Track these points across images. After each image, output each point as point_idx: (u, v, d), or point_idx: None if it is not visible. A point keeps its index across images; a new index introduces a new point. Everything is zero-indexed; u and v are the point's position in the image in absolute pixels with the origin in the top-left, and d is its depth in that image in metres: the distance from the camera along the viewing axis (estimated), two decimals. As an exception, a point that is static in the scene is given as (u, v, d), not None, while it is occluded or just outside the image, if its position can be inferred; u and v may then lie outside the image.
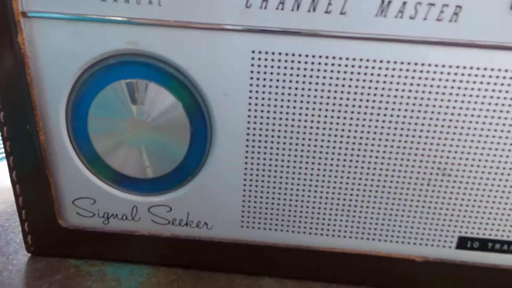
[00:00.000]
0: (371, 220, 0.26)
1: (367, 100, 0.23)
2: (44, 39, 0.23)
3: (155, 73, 0.24)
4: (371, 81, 0.23)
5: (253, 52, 0.22)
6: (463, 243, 0.26)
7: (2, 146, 0.60)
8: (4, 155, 0.56)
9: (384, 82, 0.23)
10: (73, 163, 0.26)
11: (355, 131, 0.24)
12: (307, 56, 0.22)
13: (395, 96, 0.23)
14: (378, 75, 0.23)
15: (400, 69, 0.22)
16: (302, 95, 0.23)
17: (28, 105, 0.24)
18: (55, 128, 0.25)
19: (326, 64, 0.22)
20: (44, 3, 0.22)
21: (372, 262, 0.26)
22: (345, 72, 0.23)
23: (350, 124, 0.24)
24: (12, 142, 0.25)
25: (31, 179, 0.26)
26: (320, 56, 0.22)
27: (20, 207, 0.27)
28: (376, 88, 0.23)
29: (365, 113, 0.23)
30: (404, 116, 0.23)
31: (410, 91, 0.23)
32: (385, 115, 0.23)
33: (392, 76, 0.23)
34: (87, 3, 0.22)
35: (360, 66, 0.22)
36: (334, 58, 0.22)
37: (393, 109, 0.23)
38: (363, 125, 0.24)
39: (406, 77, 0.23)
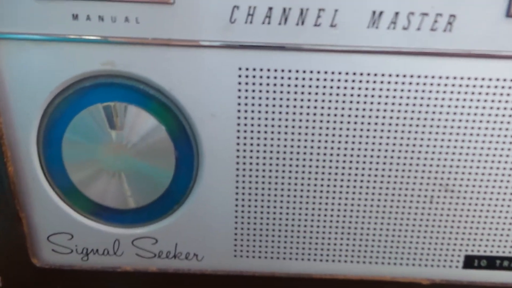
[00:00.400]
0: (373, 243, 0.24)
1: (362, 116, 0.22)
2: (12, 61, 0.21)
3: (135, 95, 0.22)
4: (365, 95, 0.21)
5: (239, 69, 0.21)
6: (470, 262, 0.25)
7: None
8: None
9: (380, 96, 0.21)
10: (47, 195, 0.23)
11: (351, 149, 0.22)
12: (297, 71, 0.21)
13: (391, 111, 0.22)
14: (373, 89, 0.21)
15: (395, 82, 0.21)
16: (294, 113, 0.22)
17: (-5, 134, 0.22)
18: (25, 158, 0.23)
19: (317, 79, 0.21)
20: (11, 23, 0.20)
21: (377, 287, 0.25)
22: (338, 87, 0.21)
23: (346, 142, 0.22)
24: (-23, 176, 0.23)
25: (0, 215, 0.23)
26: (311, 71, 0.21)
27: (-12, 247, 0.24)
28: (371, 103, 0.22)
29: (361, 129, 0.22)
30: (402, 131, 0.22)
31: (406, 104, 0.22)
32: (382, 130, 0.22)
33: (388, 89, 0.21)
34: (58, 22, 0.20)
35: (353, 81, 0.21)
36: (325, 73, 0.21)
37: (389, 124, 0.22)
38: (359, 142, 0.22)
39: (402, 90, 0.21)
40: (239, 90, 0.21)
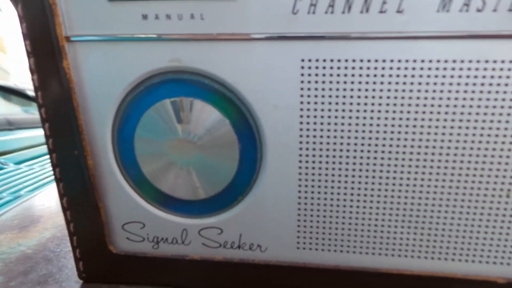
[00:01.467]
0: (442, 238, 0.23)
1: (432, 105, 0.21)
2: (88, 62, 0.23)
3: (200, 89, 0.23)
4: (435, 83, 0.20)
5: (302, 60, 0.21)
6: (553, 260, 0.23)
7: (50, 169, 0.62)
8: (51, 178, 0.58)
9: (450, 84, 0.20)
10: (122, 187, 0.25)
11: (419, 139, 0.21)
12: (361, 61, 0.21)
13: (464, 99, 0.20)
14: (443, 76, 0.20)
15: (468, 68, 0.20)
16: (359, 103, 0.21)
17: (76, 130, 0.24)
18: (103, 153, 0.24)
19: (383, 68, 0.20)
20: (86, 26, 0.22)
21: (447, 285, 0.24)
22: (404, 76, 0.20)
23: (414, 133, 0.21)
24: (61, 169, 0.25)
25: (81, 205, 0.26)
26: (376, 60, 0.20)
27: (71, 233, 0.26)
28: (441, 91, 0.20)
29: (430, 119, 0.21)
30: (476, 121, 0.21)
31: (481, 92, 0.20)
32: (452, 120, 0.21)
33: (460, 76, 0.20)
34: (129, 22, 0.21)
35: (422, 68, 0.20)
36: (392, 61, 0.20)
37: (461, 113, 0.21)
38: (427, 133, 0.21)
39: (475, 76, 0.20)
40: (302, 82, 0.21)
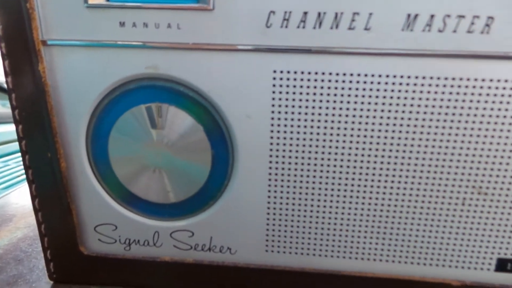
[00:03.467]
0: (403, 242, 0.24)
1: (396, 118, 0.22)
2: (64, 66, 0.23)
3: (175, 96, 0.23)
4: (398, 97, 0.22)
5: (274, 72, 0.22)
6: (502, 265, 0.24)
7: (22, 169, 0.60)
8: (24, 177, 0.57)
9: (413, 98, 0.22)
10: (94, 189, 0.25)
11: (383, 150, 0.23)
12: (330, 74, 0.22)
13: (428, 113, 0.22)
14: (406, 91, 0.22)
15: (429, 85, 0.21)
16: (327, 114, 0.22)
17: (49, 133, 0.24)
18: (76, 155, 0.25)
19: (350, 82, 0.22)
20: (63, 30, 0.22)
21: (405, 287, 0.25)
22: (370, 90, 0.22)
23: (378, 143, 0.23)
24: (34, 170, 0.25)
25: (53, 207, 0.26)
26: (344, 74, 0.22)
27: (42, 234, 0.27)
28: (404, 105, 0.22)
29: (393, 131, 0.22)
30: (436, 134, 0.22)
31: (440, 107, 0.22)
32: (414, 132, 0.22)
33: (423, 92, 0.21)
34: (106, 29, 0.22)
35: (386, 83, 0.22)
36: (359, 75, 0.22)
37: (424, 126, 0.22)
38: (391, 144, 0.23)
39: (436, 92, 0.21)
40: (273, 92, 0.22)
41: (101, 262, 0.27)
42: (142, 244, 0.26)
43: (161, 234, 0.26)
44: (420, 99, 0.22)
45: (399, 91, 0.22)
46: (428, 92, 0.21)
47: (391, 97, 0.22)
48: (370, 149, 0.23)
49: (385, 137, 0.22)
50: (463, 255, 0.24)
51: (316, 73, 0.22)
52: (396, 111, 0.22)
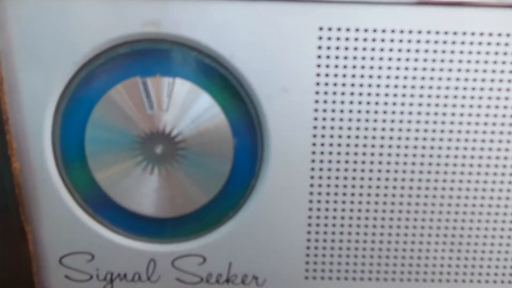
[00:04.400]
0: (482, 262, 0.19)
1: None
2: (22, 22, 0.16)
3: (184, 65, 0.17)
4: (460, 60, 0.17)
5: (320, 29, 0.17)
6: None
7: None
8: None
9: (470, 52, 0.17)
10: (62, 201, 0.18)
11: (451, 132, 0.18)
12: (393, 31, 0.17)
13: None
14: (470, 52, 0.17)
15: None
16: (387, 86, 0.17)
17: (-4, 118, 0.17)
18: (37, 152, 0.18)
19: (418, 41, 0.17)
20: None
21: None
22: (434, 51, 0.17)
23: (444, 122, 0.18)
24: (-30, 176, 0.17)
25: (0, 229, 0.18)
26: (411, 32, 0.17)
27: (-21, 274, 0.18)
28: (471, 62, 0.17)
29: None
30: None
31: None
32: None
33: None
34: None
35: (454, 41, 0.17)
36: (428, 32, 0.17)
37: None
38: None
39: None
40: (319, 57, 0.17)
41: (69, 310, 0.19)
42: (130, 280, 0.19)
43: (158, 262, 0.19)
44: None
45: (461, 52, 0.17)
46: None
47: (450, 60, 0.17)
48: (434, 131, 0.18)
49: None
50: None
51: (374, 31, 0.17)
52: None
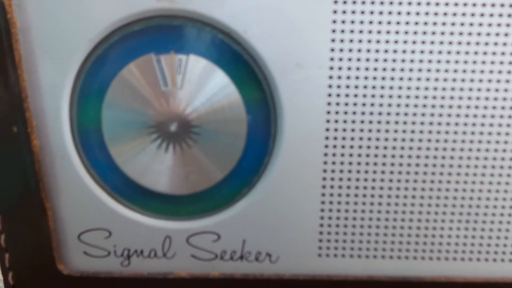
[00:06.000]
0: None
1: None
2: (39, 1, 0.16)
3: (197, 42, 0.17)
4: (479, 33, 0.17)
5: (335, 2, 0.16)
6: None
7: None
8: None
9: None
10: (80, 178, 0.18)
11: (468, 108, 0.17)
12: (418, 3, 0.16)
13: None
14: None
15: None
16: (403, 60, 0.17)
17: (16, 96, 0.17)
18: (55, 129, 0.18)
19: (445, 14, 0.16)
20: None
21: (507, 293, 0.19)
22: (461, 24, 0.16)
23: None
24: (-9, 153, 0.18)
25: (19, 206, 0.18)
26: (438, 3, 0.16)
27: (2, 249, 0.19)
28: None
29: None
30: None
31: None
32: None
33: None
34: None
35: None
36: (437, 4, 0.16)
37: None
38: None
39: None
40: (333, 31, 0.17)
41: (88, 284, 0.20)
42: (147, 256, 0.19)
43: (174, 240, 0.19)
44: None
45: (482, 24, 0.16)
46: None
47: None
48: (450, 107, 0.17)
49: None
50: None
51: (392, 3, 0.16)
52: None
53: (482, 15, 0.16)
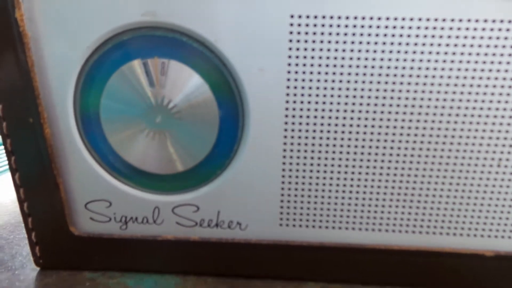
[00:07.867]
0: (431, 211, 0.22)
1: (433, 68, 0.20)
2: (46, 15, 0.20)
3: (177, 49, 0.20)
4: (431, 44, 0.19)
5: (291, 16, 0.19)
6: (538, 232, 0.22)
7: (4, 157, 0.55)
8: (7, 167, 0.52)
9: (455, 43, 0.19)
10: (85, 159, 0.22)
11: (412, 106, 0.20)
12: (363, 18, 0.19)
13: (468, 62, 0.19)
14: (440, 36, 0.19)
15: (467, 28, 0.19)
16: (350, 66, 0.20)
17: (30, 94, 0.21)
18: (63, 120, 0.21)
19: (386, 27, 0.19)
20: (44, -28, 0.19)
21: (435, 259, 0.23)
22: (408, 36, 0.19)
23: (407, 98, 0.20)
24: (13, 139, 0.22)
25: (37, 181, 0.22)
26: (379, 18, 0.19)
27: (25, 214, 0.23)
28: (445, 52, 0.19)
29: (424, 84, 0.20)
30: (470, 93, 0.20)
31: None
32: (449, 78, 0.20)
33: (457, 37, 0.19)
34: (95, -30, 0.19)
35: (419, 27, 0.19)
36: (395, 19, 0.19)
37: (457, 77, 0.20)
38: (421, 99, 0.20)
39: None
40: (290, 41, 0.20)
41: (94, 243, 0.24)
42: (140, 222, 0.24)
43: (162, 209, 0.23)
44: (456, 45, 0.19)
45: (432, 36, 0.19)
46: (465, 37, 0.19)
47: (423, 44, 0.19)
48: (398, 105, 0.20)
49: (415, 91, 0.20)
50: (497, 222, 0.22)
51: (340, 18, 0.19)
52: (432, 60, 0.20)
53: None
